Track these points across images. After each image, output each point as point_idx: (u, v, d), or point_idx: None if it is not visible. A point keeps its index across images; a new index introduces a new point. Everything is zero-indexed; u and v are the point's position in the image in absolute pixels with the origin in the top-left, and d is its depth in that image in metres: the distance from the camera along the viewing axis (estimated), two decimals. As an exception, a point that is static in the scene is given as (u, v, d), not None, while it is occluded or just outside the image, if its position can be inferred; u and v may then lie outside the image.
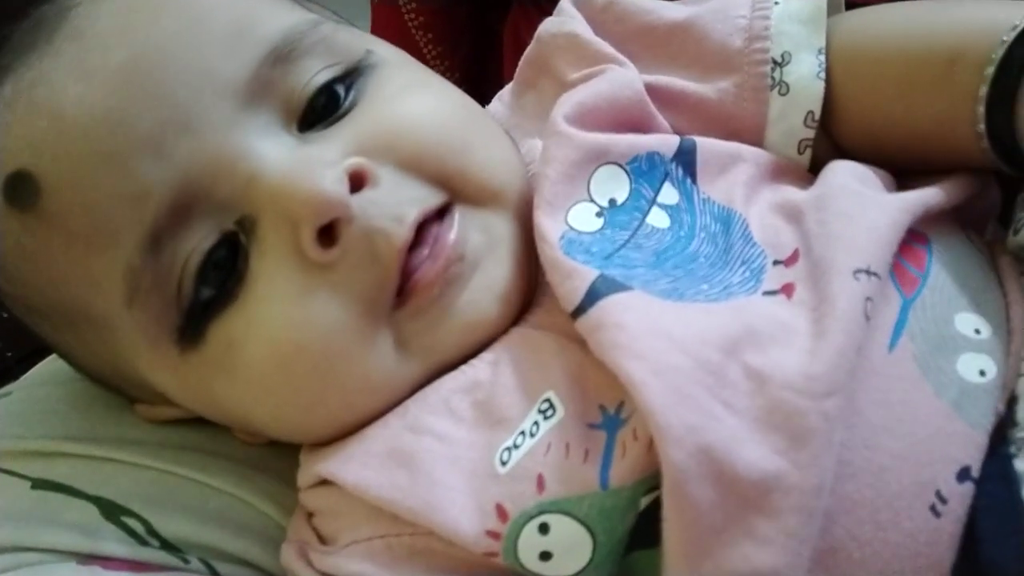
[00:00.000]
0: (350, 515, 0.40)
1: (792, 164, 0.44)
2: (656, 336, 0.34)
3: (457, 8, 0.74)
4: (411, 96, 0.42)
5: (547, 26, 0.48)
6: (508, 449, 0.36)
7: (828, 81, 0.43)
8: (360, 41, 0.44)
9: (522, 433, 0.37)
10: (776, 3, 0.44)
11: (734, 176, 0.42)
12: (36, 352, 0.55)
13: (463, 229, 0.40)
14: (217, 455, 0.48)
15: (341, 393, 0.40)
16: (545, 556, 0.35)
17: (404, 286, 0.39)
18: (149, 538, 0.44)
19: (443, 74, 0.73)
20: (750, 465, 0.31)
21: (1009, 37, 0.38)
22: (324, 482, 0.41)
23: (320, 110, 0.41)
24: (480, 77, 0.75)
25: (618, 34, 0.47)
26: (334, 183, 0.37)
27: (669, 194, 0.41)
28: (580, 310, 0.36)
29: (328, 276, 0.38)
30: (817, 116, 0.43)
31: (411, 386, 0.41)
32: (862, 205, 0.38)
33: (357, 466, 0.39)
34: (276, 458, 0.47)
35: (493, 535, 0.35)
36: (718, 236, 0.40)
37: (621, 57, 0.45)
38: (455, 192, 0.41)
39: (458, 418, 0.38)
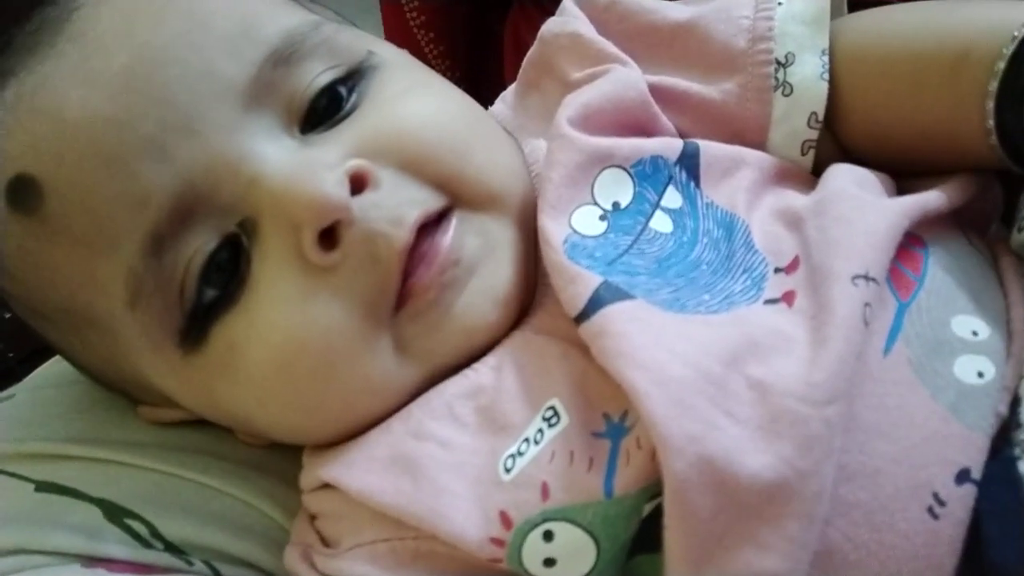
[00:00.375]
0: (353, 518, 0.40)
1: (795, 167, 0.44)
2: (658, 348, 0.34)
3: (457, 7, 0.74)
4: (413, 98, 0.42)
5: (550, 26, 0.48)
6: (512, 456, 0.36)
7: (834, 81, 0.43)
8: (362, 42, 0.44)
9: (526, 440, 0.37)
10: (779, 4, 0.44)
11: (737, 181, 0.42)
12: (37, 353, 0.55)
13: (459, 234, 0.40)
14: (220, 457, 0.48)
15: (342, 395, 0.40)
16: (549, 562, 0.35)
17: (403, 289, 0.39)
18: (153, 540, 0.44)
19: (444, 73, 0.72)
20: (752, 474, 0.31)
21: (1020, 33, 0.38)
22: (327, 485, 0.41)
23: (322, 112, 0.41)
24: (480, 77, 0.75)
25: (621, 33, 0.47)
26: (335, 186, 0.37)
27: (672, 198, 0.41)
28: (583, 316, 0.36)
29: (329, 278, 0.38)
30: (821, 117, 0.43)
31: (412, 389, 0.41)
32: (860, 210, 0.37)
33: (361, 471, 0.39)
34: (279, 460, 0.47)
35: (497, 542, 0.35)
36: (720, 242, 0.40)
37: (624, 56, 0.45)
38: (455, 195, 0.41)
39: (461, 424, 0.38)
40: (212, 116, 0.38)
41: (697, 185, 0.42)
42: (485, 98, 0.51)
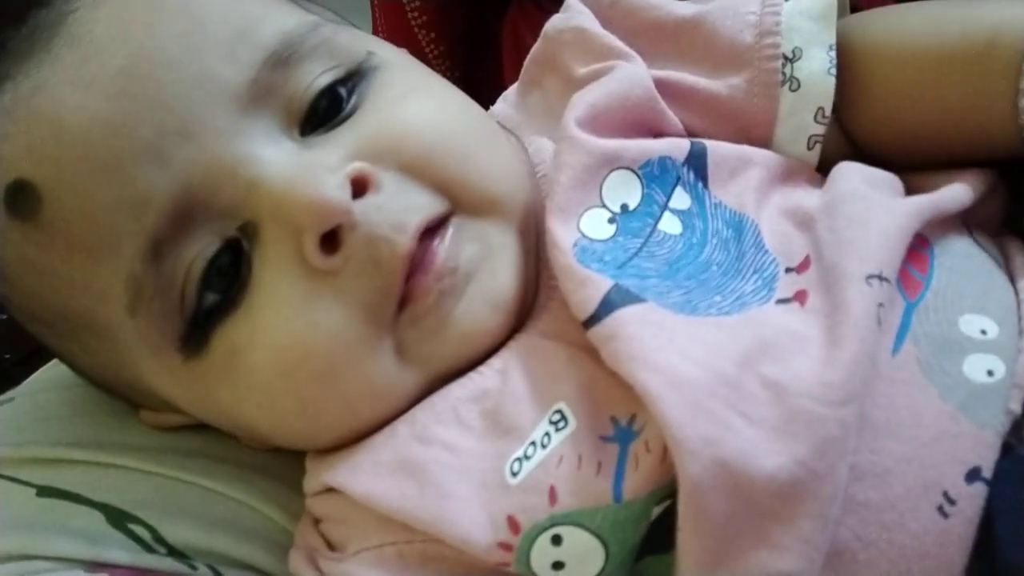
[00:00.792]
0: (359, 522, 0.40)
1: (801, 165, 0.44)
2: (671, 351, 0.34)
3: (457, 8, 0.73)
4: (414, 100, 0.42)
5: (554, 22, 0.48)
6: (518, 460, 0.36)
7: (849, 76, 0.43)
8: (361, 42, 0.43)
9: (532, 444, 0.36)
10: None
11: (745, 180, 0.42)
12: (35, 354, 0.54)
13: (456, 241, 0.40)
14: (223, 460, 0.47)
15: (344, 400, 0.40)
16: (558, 566, 0.35)
17: (404, 292, 0.39)
18: (156, 545, 0.44)
19: (444, 73, 0.72)
20: (767, 476, 0.31)
21: None
22: (332, 489, 0.41)
23: (322, 113, 0.40)
24: (480, 78, 0.74)
25: (626, 29, 0.46)
26: (336, 189, 0.37)
27: (681, 199, 0.41)
28: (594, 319, 0.36)
29: (331, 282, 0.38)
30: (827, 112, 0.43)
31: (414, 394, 0.40)
32: (873, 210, 0.37)
33: (366, 476, 0.39)
34: (282, 463, 0.47)
35: (505, 547, 0.35)
36: (730, 242, 0.40)
37: (629, 51, 0.45)
38: (455, 199, 0.40)
39: (467, 427, 0.38)
40: (210, 119, 0.38)
41: (705, 185, 0.42)
42: (485, 98, 0.51)
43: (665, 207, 0.41)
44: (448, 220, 0.40)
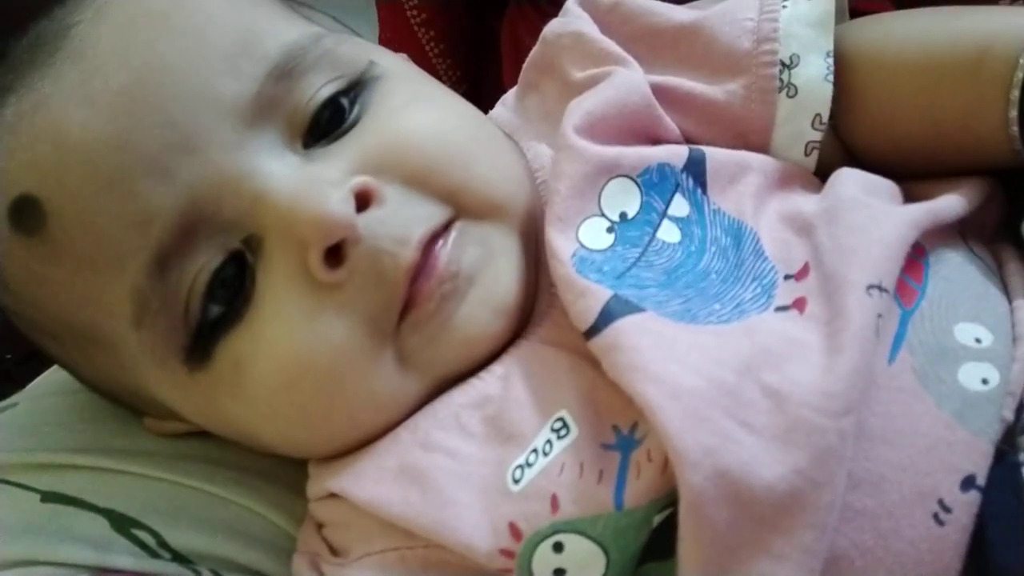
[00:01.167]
0: (362, 527, 0.40)
1: (798, 169, 0.44)
2: (671, 360, 0.34)
3: (455, 7, 0.73)
4: (416, 110, 0.42)
5: (552, 27, 0.48)
6: (520, 467, 0.37)
7: (845, 82, 0.43)
8: (363, 52, 0.43)
9: (534, 451, 0.37)
10: (784, 6, 0.44)
11: (744, 187, 0.42)
12: (36, 355, 0.54)
13: (458, 245, 0.40)
14: (226, 466, 0.48)
15: (347, 411, 0.40)
16: (559, 572, 0.35)
17: (406, 300, 0.39)
18: (160, 550, 0.44)
19: (445, 72, 0.72)
20: (767, 485, 0.31)
21: None
22: (334, 494, 0.41)
23: (325, 125, 0.41)
24: (481, 77, 0.74)
25: (625, 35, 0.46)
26: (340, 203, 0.37)
27: (680, 206, 0.41)
28: (594, 330, 0.36)
29: (335, 296, 0.38)
30: (825, 119, 0.43)
31: (416, 401, 0.41)
32: (873, 219, 0.37)
33: (369, 482, 0.39)
34: (285, 468, 0.47)
35: (507, 553, 0.35)
36: (729, 250, 0.40)
37: (627, 57, 0.45)
38: (458, 205, 0.40)
39: (468, 434, 0.39)
40: (213, 134, 0.38)
41: (704, 192, 0.42)
42: (486, 98, 0.51)
43: (664, 215, 0.41)
44: (451, 225, 0.40)
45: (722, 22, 0.45)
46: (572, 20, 0.47)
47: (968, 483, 0.33)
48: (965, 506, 0.33)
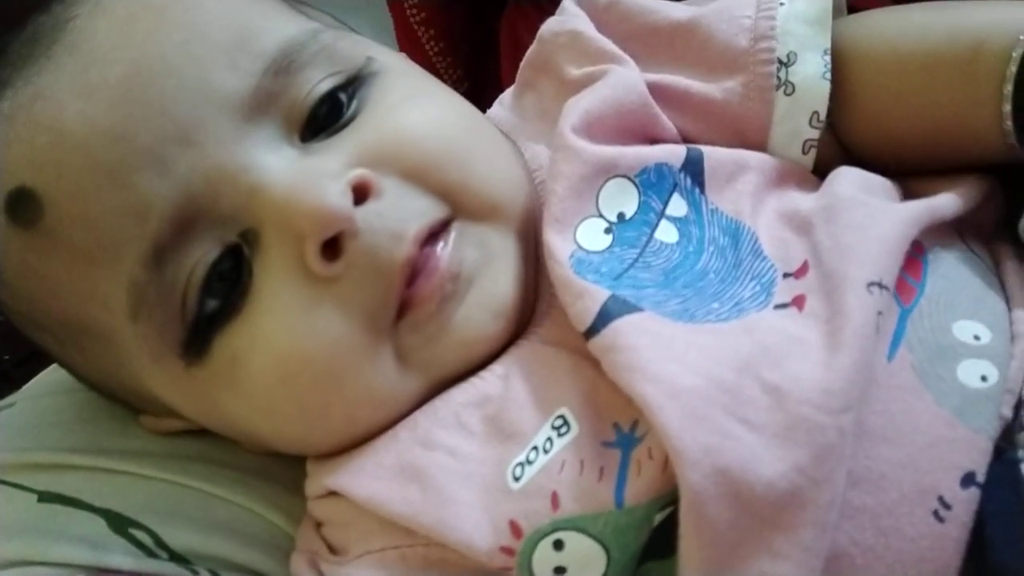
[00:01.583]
0: (361, 525, 0.40)
1: (796, 167, 0.44)
2: (669, 360, 0.34)
3: (455, 6, 0.73)
4: (414, 106, 0.42)
5: (549, 25, 0.48)
6: (520, 465, 0.36)
7: (840, 80, 0.43)
8: (361, 48, 0.43)
9: (535, 449, 0.37)
10: (782, 3, 0.44)
11: (741, 186, 0.42)
12: (34, 356, 0.54)
13: (458, 247, 0.40)
14: (224, 465, 0.47)
15: (344, 406, 0.40)
16: (559, 571, 0.35)
17: (404, 298, 0.39)
18: (158, 550, 0.44)
19: (445, 71, 0.72)
20: (767, 484, 0.31)
21: None
22: (333, 492, 0.41)
23: (322, 119, 0.41)
24: (480, 76, 0.74)
25: (622, 33, 0.46)
26: (338, 196, 0.37)
27: (678, 206, 0.41)
28: (592, 331, 0.36)
29: (332, 289, 0.38)
30: (822, 117, 0.43)
31: (414, 400, 0.41)
32: (872, 217, 0.37)
33: (368, 479, 0.39)
34: (283, 467, 0.47)
35: (507, 551, 0.35)
36: (727, 250, 0.40)
37: (623, 55, 0.45)
38: (456, 205, 0.40)
39: (469, 432, 0.38)
40: (211, 127, 0.38)
41: (702, 191, 0.42)
42: (485, 98, 0.51)
43: (662, 215, 0.41)
44: (450, 225, 0.40)
45: (719, 19, 0.45)
46: (569, 19, 0.47)
47: (968, 480, 0.33)
48: (965, 503, 0.33)
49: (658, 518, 0.34)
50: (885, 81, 0.43)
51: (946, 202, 0.40)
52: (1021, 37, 0.38)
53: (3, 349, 1.01)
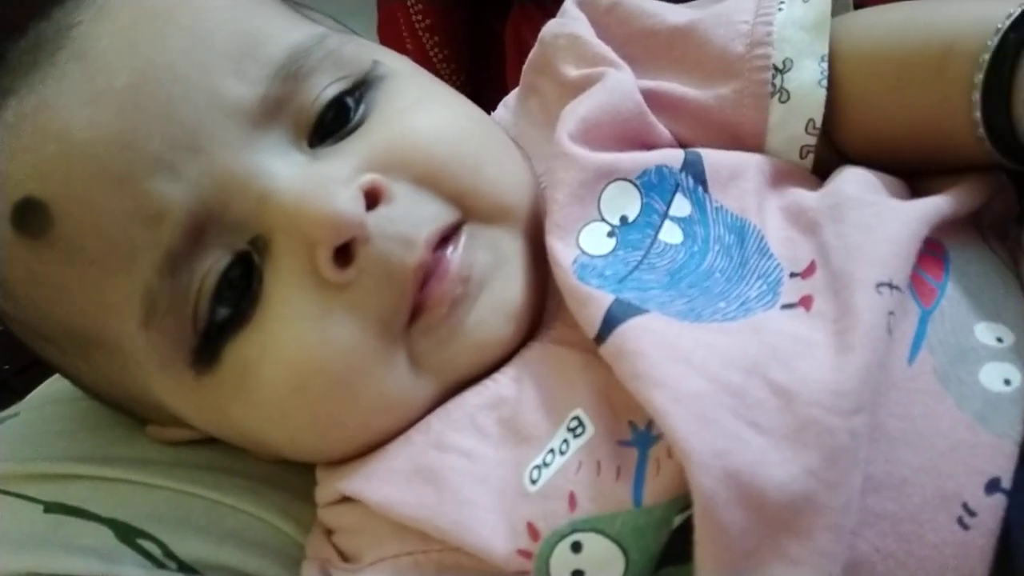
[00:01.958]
0: (374, 532, 0.40)
1: (796, 167, 0.44)
2: (675, 361, 0.33)
3: (459, 10, 0.73)
4: (423, 109, 0.42)
5: (550, 28, 0.48)
6: (537, 467, 0.36)
7: (830, 83, 0.42)
8: (367, 52, 0.43)
9: (551, 451, 0.36)
10: (780, 9, 0.44)
11: (744, 184, 0.42)
12: (34, 364, 0.54)
13: (469, 250, 0.40)
14: (232, 473, 0.47)
15: (358, 413, 0.39)
16: (577, 574, 0.34)
17: (416, 302, 0.39)
18: (166, 560, 0.44)
19: (449, 76, 0.72)
20: (779, 487, 0.31)
21: (1004, 24, 0.37)
22: (345, 499, 0.41)
23: (330, 124, 0.40)
24: (484, 81, 0.74)
25: (621, 36, 0.46)
26: (349, 202, 0.37)
27: (681, 206, 0.41)
28: (600, 338, 0.36)
29: (344, 296, 0.38)
30: (818, 124, 0.42)
31: (427, 404, 0.40)
32: (879, 216, 0.37)
33: (382, 483, 0.39)
34: (292, 475, 0.47)
35: (524, 554, 0.35)
36: (733, 248, 0.40)
37: (619, 61, 0.45)
38: (466, 208, 0.40)
39: (484, 435, 0.38)
40: (219, 134, 0.37)
41: (706, 190, 0.42)
42: (489, 101, 0.51)
43: (665, 216, 0.41)
44: (460, 228, 0.40)
45: (716, 24, 0.44)
46: (568, 22, 0.47)
47: (993, 486, 0.33)
48: (991, 509, 0.32)
49: (677, 520, 0.34)
50: (864, 85, 0.43)
51: (955, 198, 0.39)
52: (989, 42, 0.37)
53: (3, 358, 1.00)
